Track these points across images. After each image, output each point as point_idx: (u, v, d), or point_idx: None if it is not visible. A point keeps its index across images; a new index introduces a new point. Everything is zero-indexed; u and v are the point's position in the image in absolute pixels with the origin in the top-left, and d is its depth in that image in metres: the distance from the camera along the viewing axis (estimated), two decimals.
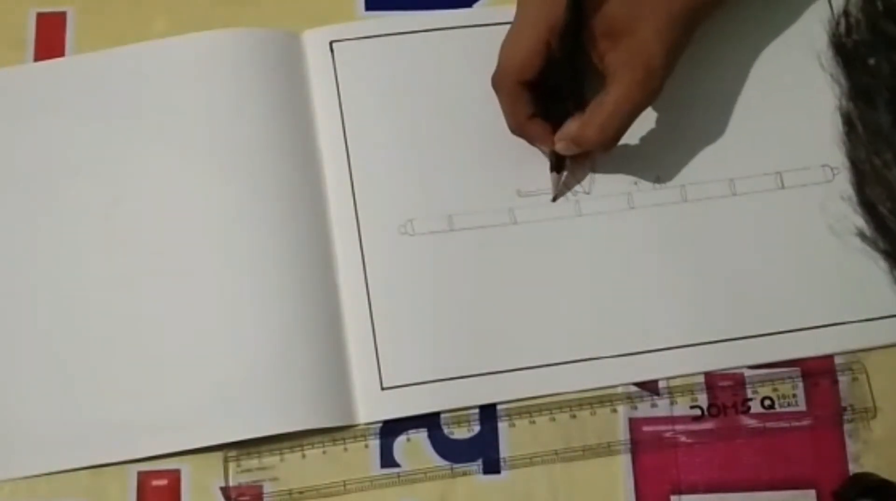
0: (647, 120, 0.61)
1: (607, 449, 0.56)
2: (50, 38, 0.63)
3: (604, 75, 0.56)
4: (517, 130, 0.59)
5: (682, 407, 0.56)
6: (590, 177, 0.60)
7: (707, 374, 0.57)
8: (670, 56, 0.55)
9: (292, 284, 0.57)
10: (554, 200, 0.59)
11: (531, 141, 0.59)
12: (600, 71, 0.56)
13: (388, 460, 0.56)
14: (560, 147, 0.57)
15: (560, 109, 0.57)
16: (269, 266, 0.57)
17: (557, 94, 0.57)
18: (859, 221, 0.37)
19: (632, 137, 0.60)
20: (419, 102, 0.61)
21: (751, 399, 0.56)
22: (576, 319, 0.57)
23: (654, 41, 0.55)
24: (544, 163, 0.60)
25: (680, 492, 0.55)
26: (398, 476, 0.55)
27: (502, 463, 0.56)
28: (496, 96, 0.58)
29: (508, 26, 0.62)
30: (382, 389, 0.56)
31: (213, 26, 0.62)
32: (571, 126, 0.56)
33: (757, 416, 0.56)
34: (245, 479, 0.55)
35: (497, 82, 0.58)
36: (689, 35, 0.57)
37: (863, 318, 0.57)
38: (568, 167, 0.59)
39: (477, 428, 0.56)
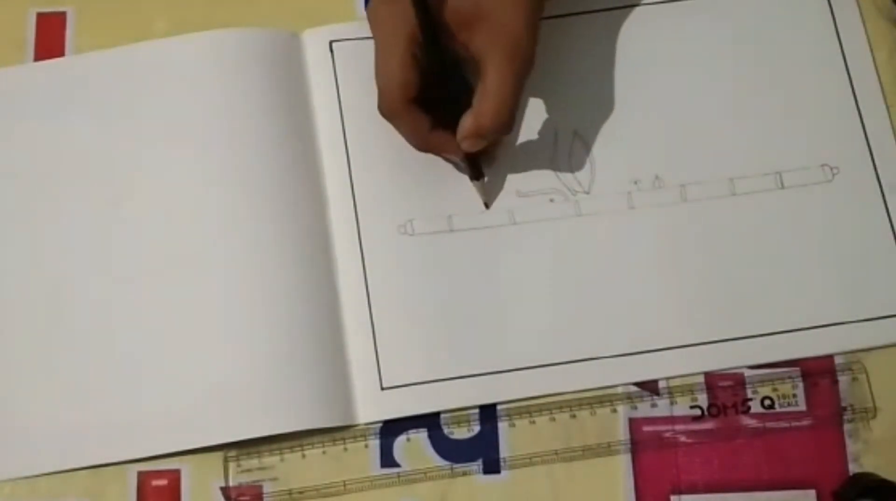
0: (647, 120, 0.61)
1: (607, 449, 0.56)
2: (50, 38, 0.63)
3: (477, 64, 0.55)
4: (423, 147, 0.59)
5: (682, 407, 0.56)
6: (590, 177, 0.60)
7: (707, 374, 0.57)
8: (530, 20, 0.55)
9: (292, 284, 0.57)
10: (487, 207, 0.59)
11: (440, 152, 0.59)
12: (474, 61, 0.55)
13: (388, 460, 0.56)
14: (465, 146, 0.56)
15: (456, 114, 0.56)
16: (269, 266, 0.57)
17: (448, 102, 0.57)
18: None
19: (632, 136, 0.60)
20: None
21: (751, 399, 0.56)
22: (576, 319, 0.57)
23: (510, 14, 0.54)
24: (544, 163, 0.60)
25: (680, 492, 0.55)
26: (398, 476, 0.55)
27: (502, 463, 0.56)
28: (392, 125, 0.58)
29: None
30: (382, 389, 0.56)
31: (213, 26, 0.62)
32: (466, 122, 0.55)
33: (757, 416, 0.56)
34: (245, 479, 0.55)
35: (386, 109, 0.57)
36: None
37: (863, 318, 0.57)
38: (486, 172, 0.59)
39: (477, 428, 0.56)
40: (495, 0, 0.54)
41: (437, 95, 0.57)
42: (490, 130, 0.55)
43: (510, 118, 0.55)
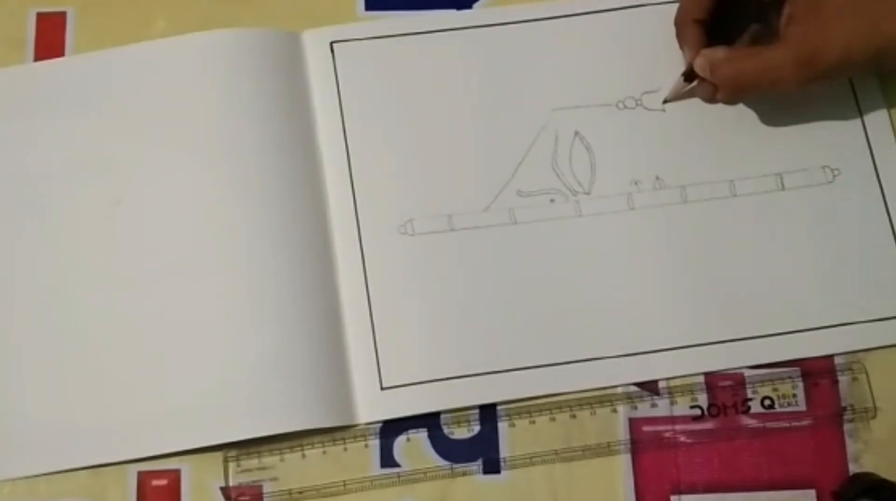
0: (647, 120, 0.61)
1: (607, 449, 0.56)
2: (50, 38, 0.63)
3: (778, 32, 0.56)
4: (678, 23, 0.59)
5: (682, 407, 0.56)
6: (590, 177, 0.60)
7: (707, 374, 0.57)
8: (843, 65, 0.55)
9: (292, 284, 0.57)
10: (665, 101, 0.61)
11: (680, 41, 0.60)
12: (778, 27, 0.57)
13: (388, 460, 0.56)
14: (697, 62, 0.57)
15: (734, 34, 0.59)
16: (269, 266, 0.57)
17: (739, 21, 0.59)
18: None
19: (632, 137, 0.60)
20: (419, 103, 0.61)
21: (751, 399, 0.56)
22: (576, 319, 0.57)
23: (839, 39, 0.54)
24: (544, 163, 0.60)
25: (680, 492, 0.55)
26: (398, 476, 0.55)
27: (502, 463, 0.56)
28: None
29: (508, 27, 0.63)
30: (382, 389, 0.56)
31: (213, 26, 0.62)
32: (718, 53, 0.57)
33: (757, 416, 0.56)
34: (245, 479, 0.55)
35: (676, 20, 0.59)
36: (870, 65, 0.57)
37: (863, 319, 0.57)
38: (696, 85, 0.60)
39: (477, 428, 0.56)
40: (845, 21, 0.53)
41: (736, 16, 0.59)
42: (720, 79, 0.57)
43: (741, 93, 0.58)
